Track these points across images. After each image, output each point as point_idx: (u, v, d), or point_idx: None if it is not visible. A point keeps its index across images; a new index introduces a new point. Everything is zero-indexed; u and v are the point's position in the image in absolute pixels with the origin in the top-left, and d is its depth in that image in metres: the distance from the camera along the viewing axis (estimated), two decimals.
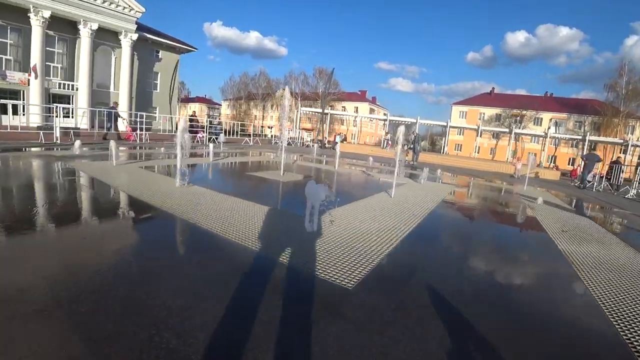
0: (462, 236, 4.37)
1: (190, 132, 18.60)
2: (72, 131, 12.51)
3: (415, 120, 34.31)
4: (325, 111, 31.64)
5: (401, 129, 5.99)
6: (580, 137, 29.94)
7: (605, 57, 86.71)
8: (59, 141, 11.00)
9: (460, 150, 50.31)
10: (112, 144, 7.14)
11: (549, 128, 41.34)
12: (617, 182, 13.64)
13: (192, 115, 19.86)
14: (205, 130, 18.56)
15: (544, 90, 68.15)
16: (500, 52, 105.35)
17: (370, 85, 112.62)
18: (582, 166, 14.26)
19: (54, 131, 11.12)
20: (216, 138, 17.86)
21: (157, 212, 3.91)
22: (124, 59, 25.48)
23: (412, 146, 17.52)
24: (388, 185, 7.55)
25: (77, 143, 9.12)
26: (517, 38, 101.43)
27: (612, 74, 68.44)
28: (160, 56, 29.59)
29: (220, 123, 25.68)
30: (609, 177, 13.78)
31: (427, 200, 6.15)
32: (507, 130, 34.04)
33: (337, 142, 29.31)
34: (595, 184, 13.30)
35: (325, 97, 33.39)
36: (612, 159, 41.29)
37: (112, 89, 25.89)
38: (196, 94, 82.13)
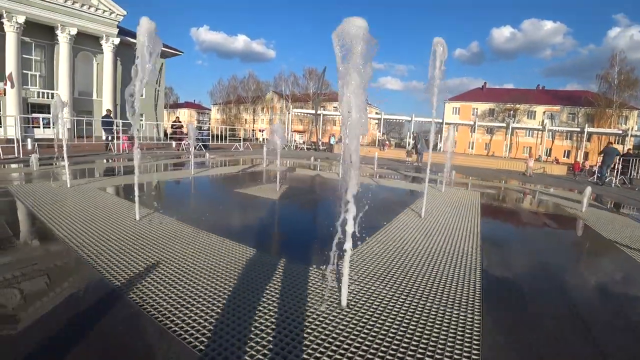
0: (553, 281, 3.02)
1: (174, 139, 17.44)
2: (36, 144, 11.39)
3: (410, 118, 33.63)
4: (318, 112, 30.71)
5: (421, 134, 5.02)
6: (578, 129, 29.48)
7: (589, 49, 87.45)
8: (21, 155, 9.92)
9: (455, 147, 49.81)
10: (62, 157, 5.73)
11: (543, 122, 41.00)
12: (631, 176, 13.00)
13: (175, 121, 18.70)
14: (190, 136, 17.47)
15: (530, 84, 68.50)
16: (486, 47, 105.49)
17: None
18: (600, 160, 13.56)
19: (15, 143, 10.03)
20: (204, 145, 16.81)
21: (91, 280, 2.39)
22: (106, 64, 24.36)
23: (415, 146, 16.51)
24: (409, 198, 6.60)
25: (34, 157, 7.86)
26: (502, 33, 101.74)
27: (599, 65, 69.23)
28: None
29: (209, 128, 24.41)
30: (624, 171, 13.13)
31: (465, 218, 5.12)
32: (503, 124, 33.50)
33: (332, 144, 28.34)
34: (612, 179, 12.57)
35: (317, 97, 32.50)
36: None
37: (94, 97, 24.74)
38: (185, 99, 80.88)
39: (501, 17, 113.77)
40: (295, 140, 32.29)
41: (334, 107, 56.50)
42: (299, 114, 42.16)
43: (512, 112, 47.54)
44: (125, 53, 26.20)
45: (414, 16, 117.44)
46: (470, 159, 22.11)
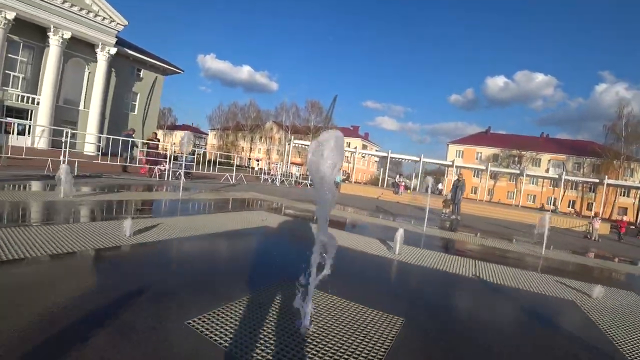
0: None
1: (148, 161, 13.73)
2: None
3: (418, 159, 31.87)
4: None
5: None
6: (597, 180, 27.91)
7: (578, 102, 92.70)
8: None
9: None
10: None
11: (548, 170, 39.90)
12: None
13: (150, 138, 15.16)
14: (169, 160, 12.94)
15: (525, 131, 69.38)
16: (481, 94, 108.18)
17: (358, 123, 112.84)
18: None
19: None
20: (187, 174, 13.23)
21: None
22: (98, 74, 22.64)
23: (454, 195, 12.71)
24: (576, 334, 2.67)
25: None
26: (496, 82, 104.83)
27: (587, 117, 71.07)
28: (141, 75, 26.90)
29: (194, 152, 19.26)
30: None
31: None
32: (517, 171, 32.11)
33: (337, 182, 25.29)
34: None
35: (325, 129, 30.61)
36: (614, 202, 40.09)
37: (81, 107, 22.77)
38: (183, 121, 79.67)
39: (495, 67, 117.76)
40: (293, 174, 29.74)
41: None
42: (298, 145, 40.04)
43: (517, 158, 46.61)
44: (121, 65, 24.69)
45: (412, 60, 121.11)
46: (489, 208, 19.60)
